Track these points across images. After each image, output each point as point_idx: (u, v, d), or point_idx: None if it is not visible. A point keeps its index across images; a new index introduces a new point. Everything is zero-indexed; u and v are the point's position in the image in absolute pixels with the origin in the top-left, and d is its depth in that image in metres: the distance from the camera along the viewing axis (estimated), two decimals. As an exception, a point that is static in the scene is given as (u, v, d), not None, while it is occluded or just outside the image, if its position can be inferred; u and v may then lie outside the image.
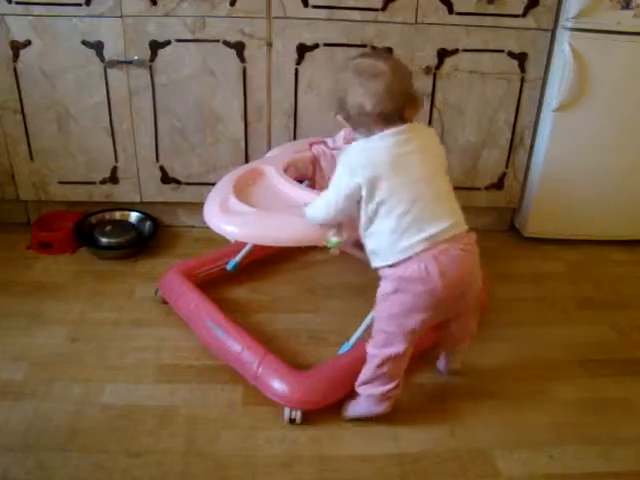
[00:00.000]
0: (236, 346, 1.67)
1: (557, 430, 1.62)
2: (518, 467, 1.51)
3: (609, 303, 2.16)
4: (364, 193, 1.37)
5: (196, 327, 1.80)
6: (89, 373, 1.71)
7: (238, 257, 2.06)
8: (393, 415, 1.62)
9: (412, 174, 1.39)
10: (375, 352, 1.50)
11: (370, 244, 1.45)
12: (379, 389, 1.53)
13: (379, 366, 1.50)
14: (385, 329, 1.47)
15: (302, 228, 1.57)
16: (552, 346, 1.92)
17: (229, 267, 2.06)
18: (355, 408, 1.59)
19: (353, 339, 1.72)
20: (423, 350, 1.79)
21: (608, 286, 2.27)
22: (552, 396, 1.73)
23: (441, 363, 1.78)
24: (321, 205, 1.48)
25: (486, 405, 1.68)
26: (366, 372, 1.53)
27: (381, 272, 1.46)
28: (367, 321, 1.72)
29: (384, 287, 1.45)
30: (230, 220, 1.59)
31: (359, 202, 1.41)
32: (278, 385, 1.58)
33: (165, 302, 1.96)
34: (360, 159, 1.38)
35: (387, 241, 1.40)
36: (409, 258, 1.37)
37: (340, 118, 1.45)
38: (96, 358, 1.77)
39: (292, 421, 1.57)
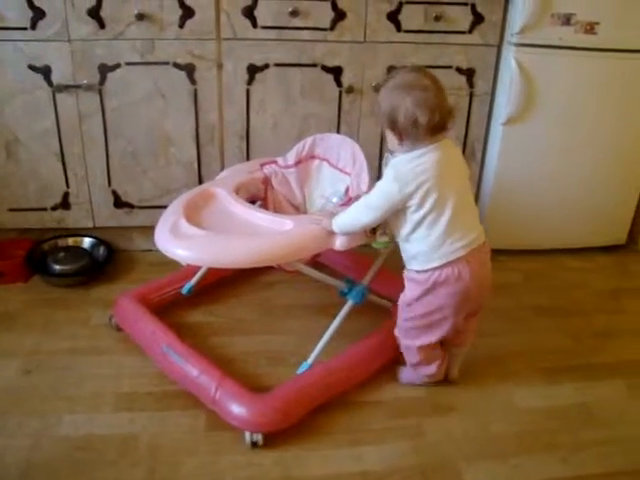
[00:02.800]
0: (193, 371, 1.64)
1: (520, 439, 1.64)
2: (483, 478, 1.52)
3: (565, 310, 2.20)
4: (414, 202, 1.48)
5: (152, 353, 1.77)
6: (45, 405, 1.66)
7: (193, 280, 2.04)
8: (356, 435, 1.62)
9: (454, 186, 1.52)
10: (409, 343, 1.68)
11: (411, 249, 1.56)
12: (426, 370, 1.72)
13: (416, 354, 1.68)
14: (416, 325, 1.64)
15: (254, 249, 1.56)
16: (511, 356, 1.94)
17: (184, 291, 2.03)
18: (412, 377, 1.78)
19: (311, 359, 1.70)
20: (382, 366, 1.81)
21: (563, 294, 2.31)
22: (513, 405, 1.75)
23: None
24: (367, 212, 1.53)
25: (448, 418, 1.69)
26: (409, 359, 1.72)
27: (410, 276, 1.60)
28: (325, 340, 1.72)
29: (413, 291, 1.59)
30: (181, 244, 1.57)
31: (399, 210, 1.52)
32: (237, 409, 1.56)
33: (120, 329, 1.92)
34: (412, 171, 1.47)
35: (430, 246, 1.52)
36: (446, 263, 1.51)
37: (389, 132, 1.51)
38: (52, 389, 1.72)
39: (254, 444, 1.55)
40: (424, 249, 1.53)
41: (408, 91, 1.45)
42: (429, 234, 1.51)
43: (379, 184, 1.52)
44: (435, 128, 1.47)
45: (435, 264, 1.53)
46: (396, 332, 1.72)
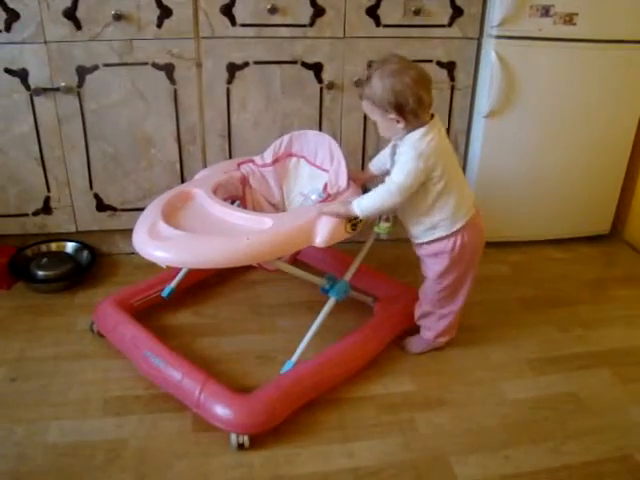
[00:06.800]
0: (176, 374, 1.62)
1: (510, 430, 1.64)
2: (474, 471, 1.52)
3: (551, 301, 2.21)
4: (437, 174, 1.58)
5: (134, 358, 1.74)
6: (31, 412, 1.64)
7: (173, 283, 2.01)
8: (346, 431, 1.62)
9: (453, 152, 1.66)
10: (447, 310, 1.81)
11: (432, 219, 1.65)
12: (450, 335, 1.88)
13: (453, 317, 1.82)
14: (451, 291, 1.77)
15: (233, 249, 1.54)
16: (499, 348, 1.95)
17: (164, 294, 2.01)
18: (422, 348, 1.89)
19: (295, 357, 1.69)
20: (369, 362, 1.81)
21: (549, 285, 2.32)
22: (503, 397, 1.75)
23: None
24: (397, 194, 1.58)
25: (438, 412, 1.69)
26: (440, 327, 1.83)
27: (436, 249, 1.69)
28: (308, 338, 1.71)
29: (441, 264, 1.70)
30: (159, 245, 1.55)
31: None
32: (221, 411, 1.54)
33: (102, 335, 1.89)
34: (429, 147, 1.56)
35: (452, 211, 1.64)
36: (464, 225, 1.66)
37: (391, 118, 1.56)
38: (38, 396, 1.70)
39: (241, 446, 1.54)
40: (447, 215, 1.64)
41: (405, 74, 1.52)
42: (448, 200, 1.62)
43: (404, 166, 1.56)
44: (431, 103, 1.58)
45: (459, 225, 1.65)
46: (424, 308, 1.83)
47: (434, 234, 1.67)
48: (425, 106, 1.55)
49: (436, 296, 1.78)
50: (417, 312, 1.86)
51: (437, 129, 1.59)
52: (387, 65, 1.55)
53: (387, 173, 1.67)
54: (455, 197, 1.63)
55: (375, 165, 1.84)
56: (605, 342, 2.00)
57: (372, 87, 1.55)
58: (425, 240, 1.69)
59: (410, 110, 1.53)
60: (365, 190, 1.79)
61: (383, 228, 1.71)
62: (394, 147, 1.64)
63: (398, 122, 1.56)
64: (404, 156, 1.57)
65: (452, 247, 1.67)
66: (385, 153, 1.77)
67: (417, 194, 1.60)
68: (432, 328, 1.85)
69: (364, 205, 1.61)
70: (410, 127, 1.57)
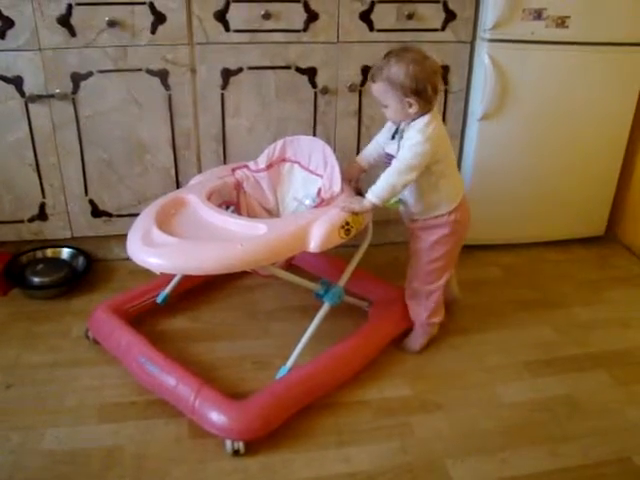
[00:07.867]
0: (170, 380, 1.62)
1: (506, 433, 1.64)
2: (471, 474, 1.52)
3: (547, 303, 2.21)
4: (440, 156, 1.69)
5: (129, 364, 1.74)
6: (27, 419, 1.64)
7: (167, 289, 2.01)
8: (342, 436, 1.62)
9: (449, 140, 1.76)
10: (434, 287, 1.87)
11: (435, 197, 1.76)
12: (440, 315, 1.92)
13: (439, 295, 1.88)
14: (440, 265, 1.84)
15: (227, 255, 1.54)
16: (495, 351, 1.95)
17: (159, 300, 2.01)
18: (421, 340, 1.93)
19: (290, 363, 1.69)
20: (364, 367, 1.81)
21: (545, 287, 2.32)
22: (499, 400, 1.76)
23: None
24: (408, 173, 1.65)
25: (434, 416, 1.69)
26: (430, 305, 1.89)
27: (433, 223, 1.78)
28: (303, 343, 1.71)
29: (435, 235, 1.79)
30: (153, 252, 1.54)
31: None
32: (216, 417, 1.54)
33: (97, 342, 1.89)
34: (434, 131, 1.66)
35: (451, 190, 1.77)
36: (457, 205, 1.77)
37: (405, 102, 1.65)
38: (34, 403, 1.70)
39: (236, 453, 1.53)
40: (445, 195, 1.75)
41: (426, 62, 1.64)
42: (446, 182, 1.74)
43: (413, 148, 1.64)
44: (441, 92, 1.74)
45: (456, 203, 1.77)
46: (413, 285, 1.88)
47: (433, 212, 1.77)
48: (437, 94, 1.67)
49: (426, 268, 1.84)
50: (407, 291, 1.92)
51: (439, 117, 1.72)
52: (408, 53, 1.64)
53: (377, 162, 1.85)
54: (452, 179, 1.76)
55: (365, 156, 1.90)
56: (601, 344, 2.00)
57: (393, 72, 1.62)
58: (423, 217, 1.79)
59: (426, 96, 1.64)
60: (359, 194, 1.79)
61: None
62: (401, 132, 1.71)
63: (411, 106, 1.64)
64: (412, 140, 1.65)
65: (446, 222, 1.77)
66: (381, 137, 1.85)
67: (421, 176, 1.67)
68: (421, 312, 1.89)
69: (377, 191, 1.67)
70: (420, 112, 1.66)
